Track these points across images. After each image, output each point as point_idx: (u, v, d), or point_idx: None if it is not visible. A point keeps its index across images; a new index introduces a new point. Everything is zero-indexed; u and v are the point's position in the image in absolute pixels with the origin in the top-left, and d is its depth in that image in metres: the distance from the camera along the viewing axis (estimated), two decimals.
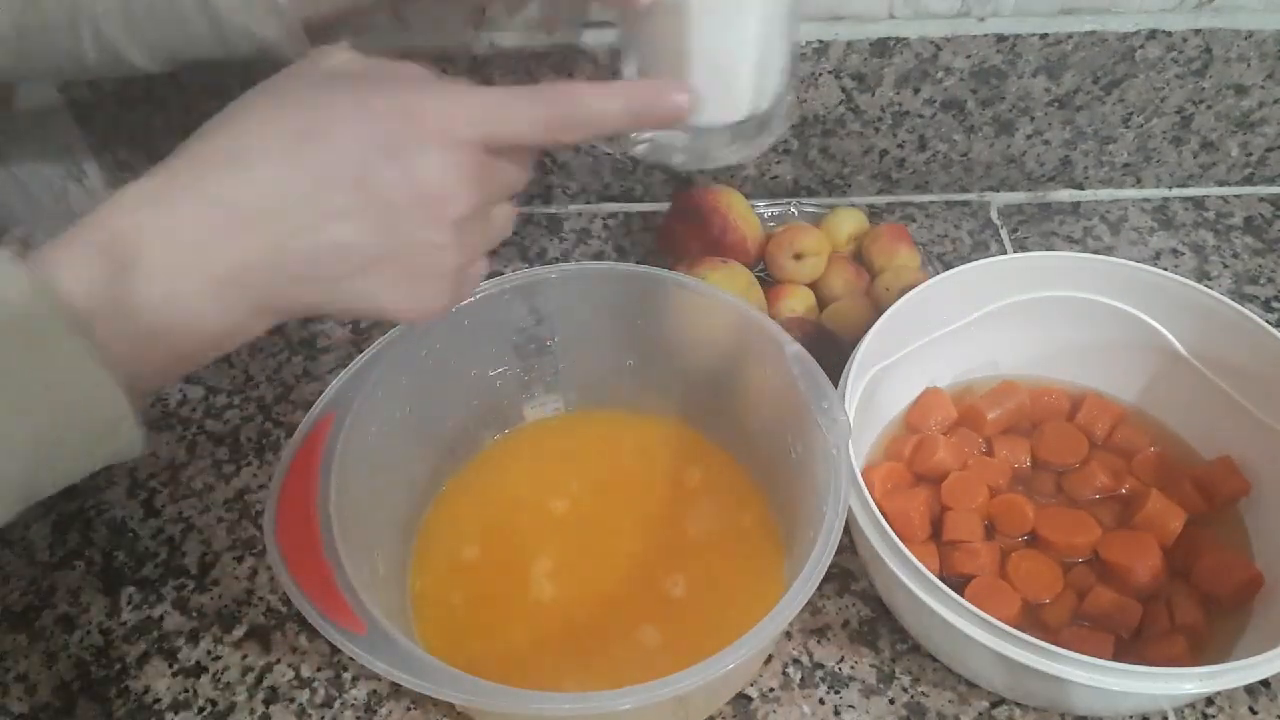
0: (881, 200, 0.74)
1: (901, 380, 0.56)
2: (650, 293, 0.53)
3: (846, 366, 0.51)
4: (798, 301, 0.62)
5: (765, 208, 0.69)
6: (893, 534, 0.43)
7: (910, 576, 0.43)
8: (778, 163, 0.71)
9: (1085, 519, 0.51)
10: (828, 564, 0.40)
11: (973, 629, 0.41)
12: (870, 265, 0.65)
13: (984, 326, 0.57)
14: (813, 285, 0.64)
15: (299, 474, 0.43)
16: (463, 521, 0.54)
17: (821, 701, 0.49)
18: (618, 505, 0.54)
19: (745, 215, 0.64)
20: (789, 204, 0.70)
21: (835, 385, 0.51)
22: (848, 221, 0.67)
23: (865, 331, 0.52)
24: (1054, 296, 0.56)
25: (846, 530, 0.56)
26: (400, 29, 0.63)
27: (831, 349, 0.56)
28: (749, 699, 0.49)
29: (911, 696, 0.49)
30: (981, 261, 0.55)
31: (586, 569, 0.51)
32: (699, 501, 0.54)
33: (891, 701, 0.49)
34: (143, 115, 0.68)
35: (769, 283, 0.64)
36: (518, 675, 0.47)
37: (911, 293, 0.53)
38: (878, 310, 0.53)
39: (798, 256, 0.62)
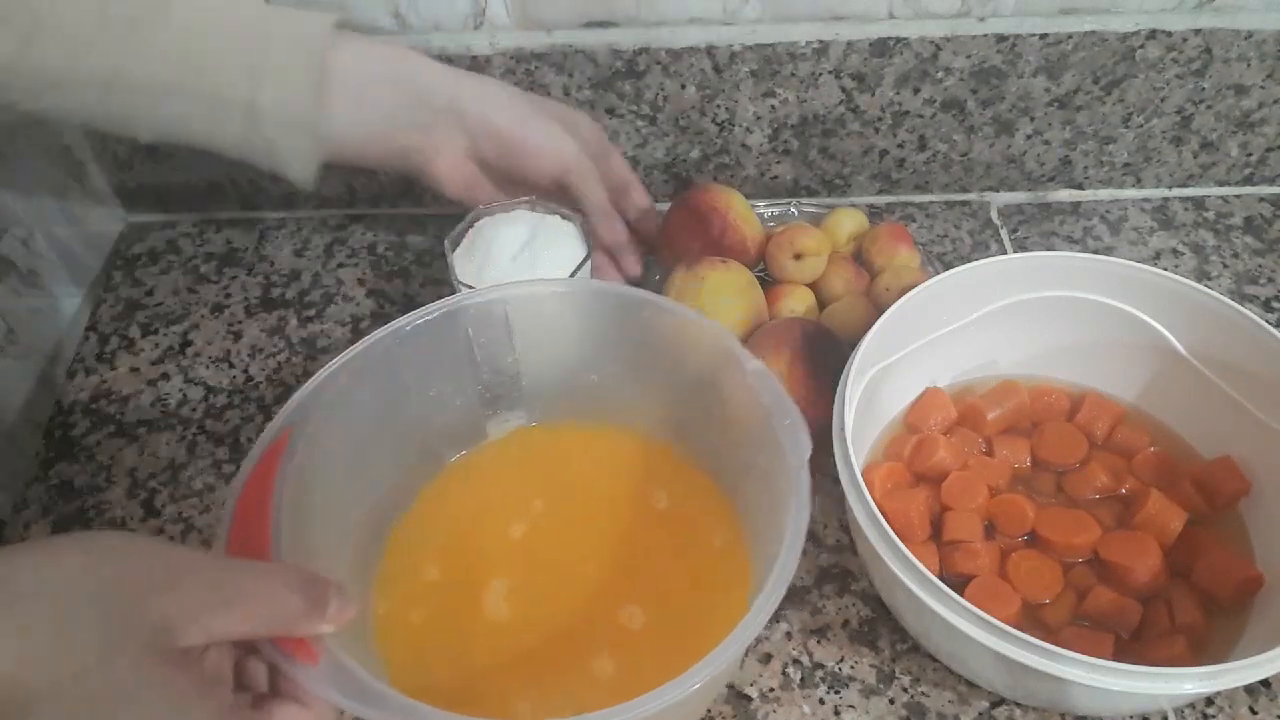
0: (881, 200, 0.74)
1: (901, 380, 0.56)
2: (613, 308, 0.52)
3: (846, 366, 0.51)
4: (798, 301, 0.62)
5: (765, 208, 0.69)
6: (893, 534, 0.43)
7: (910, 576, 0.43)
8: (778, 163, 0.71)
9: (1085, 519, 0.51)
10: (787, 584, 0.39)
11: (973, 629, 0.41)
12: (870, 265, 0.65)
13: (984, 326, 0.57)
14: (813, 285, 0.64)
15: (251, 500, 0.42)
16: (425, 541, 0.52)
17: (821, 701, 0.49)
18: (582, 524, 0.53)
19: (745, 215, 0.64)
20: (789, 204, 0.70)
21: (835, 385, 0.51)
22: (848, 221, 0.66)
23: (865, 331, 0.52)
24: (1054, 296, 0.56)
25: (846, 530, 0.56)
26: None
27: (831, 349, 0.56)
28: (749, 699, 0.49)
29: (911, 696, 0.49)
30: (981, 261, 0.55)
31: (547, 592, 0.50)
32: (667, 520, 0.53)
33: (891, 701, 0.49)
34: None
35: (769, 283, 0.64)
36: (476, 698, 0.46)
37: (911, 293, 0.53)
38: (878, 310, 0.53)
39: (798, 256, 0.62)
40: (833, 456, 0.48)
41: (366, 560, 0.51)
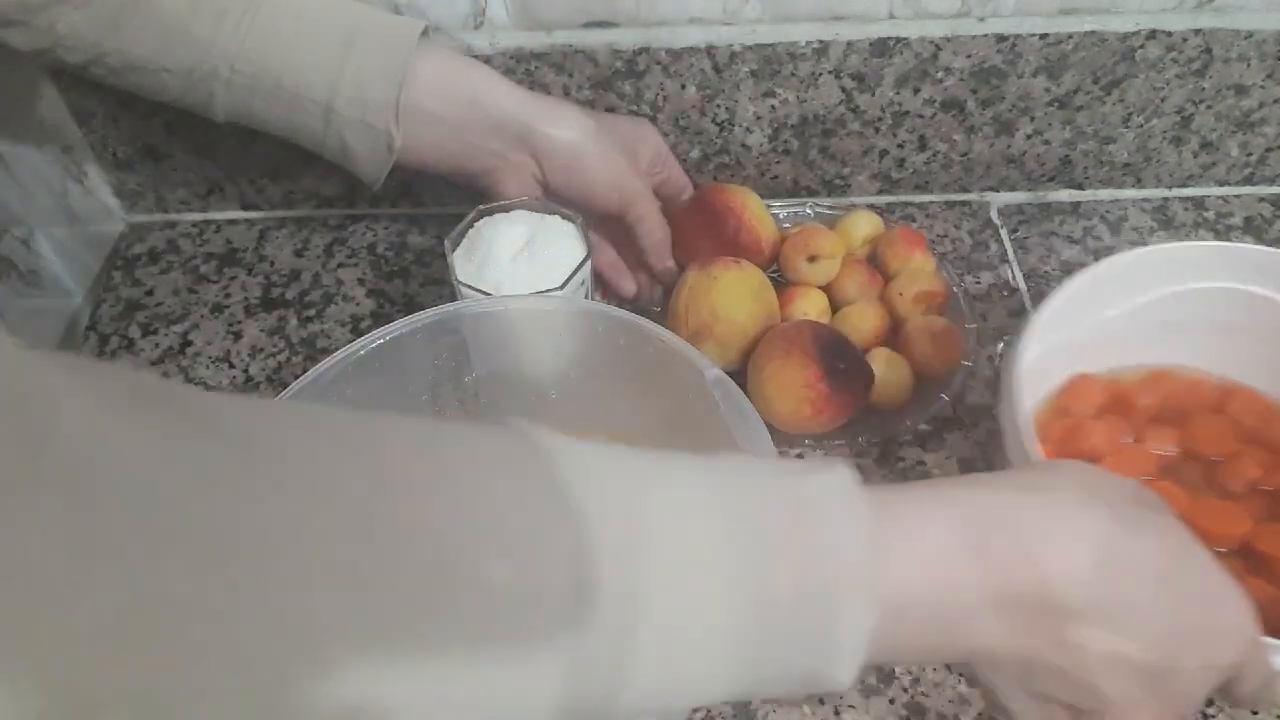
0: (881, 200, 0.74)
1: (1052, 364, 0.55)
2: (569, 323, 0.52)
3: (1013, 349, 0.49)
4: (810, 304, 0.62)
5: (781, 208, 0.69)
6: None
7: None
8: (778, 163, 0.71)
9: (1235, 510, 0.51)
10: None
11: None
12: (884, 269, 0.64)
13: (1139, 315, 0.56)
14: (826, 288, 0.63)
15: None
16: None
17: (821, 701, 0.49)
18: None
19: (760, 216, 0.64)
20: (805, 204, 0.70)
21: (846, 389, 0.50)
22: (863, 224, 0.66)
23: (875, 336, 0.51)
24: (1213, 288, 0.55)
25: None
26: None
27: (843, 353, 0.56)
28: (749, 699, 0.49)
29: (911, 696, 0.49)
30: (1146, 249, 0.54)
31: None
32: None
33: (891, 701, 0.49)
34: (142, 115, 0.68)
35: (782, 284, 0.63)
36: None
37: (1075, 277, 0.52)
38: (890, 315, 0.52)
39: (812, 259, 0.62)
40: (848, 461, 0.48)
41: None
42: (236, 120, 0.55)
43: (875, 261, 0.65)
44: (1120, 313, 0.55)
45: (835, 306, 0.63)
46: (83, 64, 0.52)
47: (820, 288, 0.63)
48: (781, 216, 0.69)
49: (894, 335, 0.61)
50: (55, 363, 0.19)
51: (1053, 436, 0.54)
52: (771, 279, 0.62)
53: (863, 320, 0.60)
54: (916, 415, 0.59)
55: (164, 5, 0.51)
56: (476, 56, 0.64)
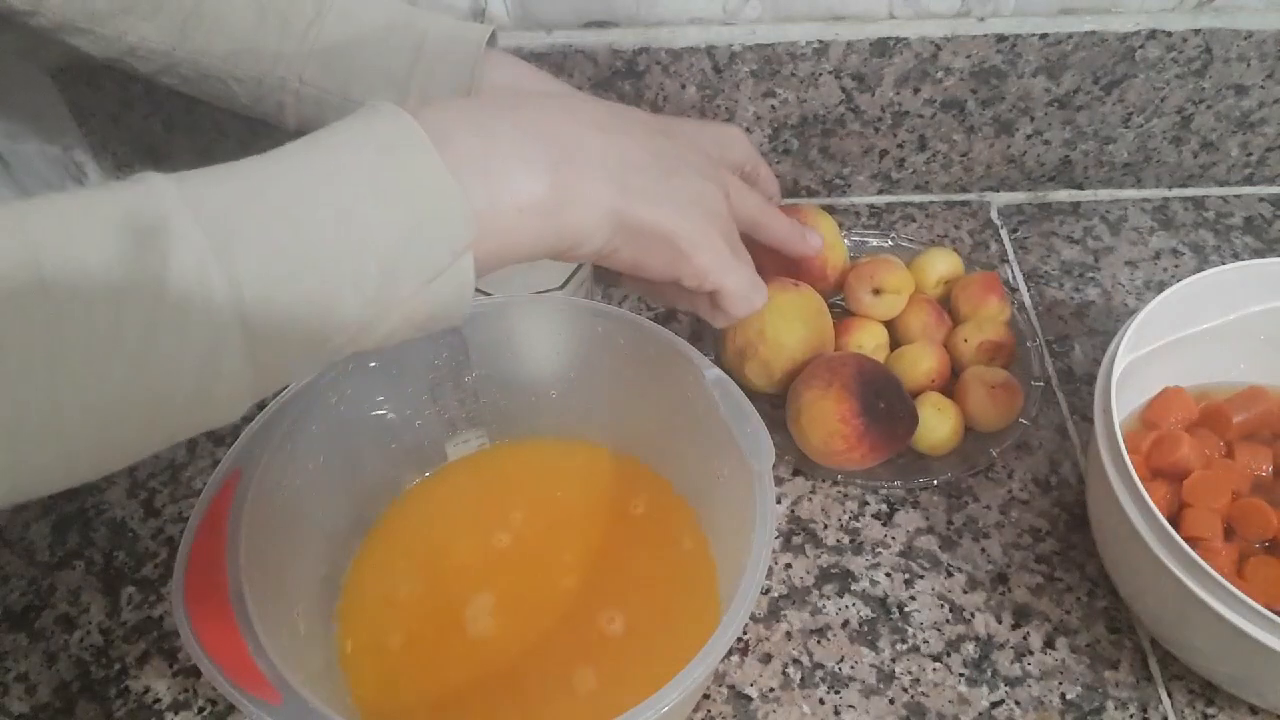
0: (881, 200, 0.74)
1: (1140, 377, 0.54)
2: (567, 321, 0.52)
3: (1107, 359, 0.49)
4: (868, 337, 0.59)
5: (858, 235, 0.67)
6: (1181, 542, 0.42)
7: (1207, 588, 0.42)
8: (778, 163, 0.71)
9: None
10: (757, 593, 0.39)
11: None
12: (955, 312, 0.62)
13: (1230, 330, 0.55)
14: (890, 324, 0.61)
15: (207, 537, 0.41)
16: (390, 567, 0.52)
17: (821, 701, 0.49)
18: (551, 539, 0.53)
19: (831, 241, 0.61)
20: (887, 234, 0.68)
21: (884, 428, 0.50)
22: (941, 263, 0.63)
23: (927, 379, 0.52)
24: None
25: (846, 531, 0.56)
26: None
27: (886, 391, 0.54)
28: (749, 699, 0.49)
29: (911, 696, 0.49)
30: (1238, 264, 0.53)
31: (518, 610, 0.50)
32: (636, 529, 0.53)
33: (891, 701, 0.49)
34: (142, 115, 0.68)
35: (844, 314, 0.62)
36: (454, 718, 0.46)
37: (1170, 290, 0.51)
38: (952, 361, 0.51)
39: (876, 291, 0.60)
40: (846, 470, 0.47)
41: (329, 592, 0.50)
42: (308, 130, 0.55)
43: (948, 303, 0.63)
44: (1213, 327, 0.54)
45: (896, 344, 0.61)
46: (155, 73, 0.53)
47: (884, 323, 0.61)
48: (853, 243, 0.67)
49: (952, 382, 0.59)
50: None
51: (1141, 448, 0.53)
52: (836, 308, 0.61)
53: (918, 361, 0.58)
54: (959, 468, 0.57)
55: (231, 15, 0.51)
56: None
